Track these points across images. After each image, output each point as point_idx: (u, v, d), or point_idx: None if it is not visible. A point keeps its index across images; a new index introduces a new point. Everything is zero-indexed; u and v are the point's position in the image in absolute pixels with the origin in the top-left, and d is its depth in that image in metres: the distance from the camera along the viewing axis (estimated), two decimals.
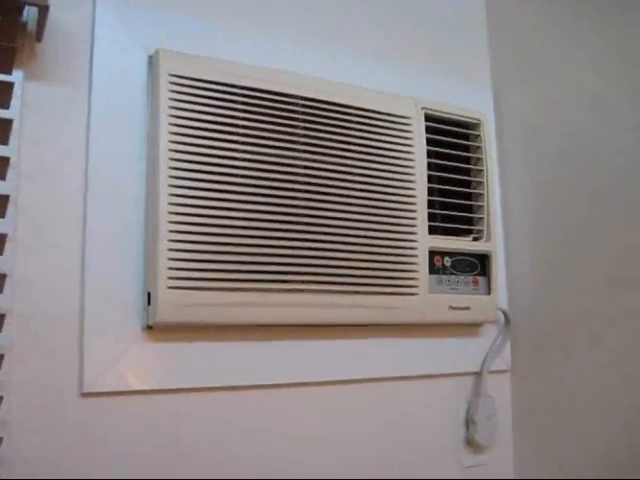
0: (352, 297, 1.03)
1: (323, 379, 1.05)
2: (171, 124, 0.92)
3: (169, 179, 0.91)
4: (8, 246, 0.84)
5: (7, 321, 0.83)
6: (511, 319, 1.23)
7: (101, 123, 0.93)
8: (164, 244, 0.89)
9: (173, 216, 0.90)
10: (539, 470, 1.18)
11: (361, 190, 1.05)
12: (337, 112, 1.05)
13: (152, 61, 0.96)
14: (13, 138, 0.86)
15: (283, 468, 1.01)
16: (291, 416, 1.03)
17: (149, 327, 0.92)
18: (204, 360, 0.95)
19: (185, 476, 0.93)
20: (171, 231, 0.90)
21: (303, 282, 0.99)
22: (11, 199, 0.85)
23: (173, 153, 0.91)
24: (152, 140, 0.93)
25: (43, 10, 0.85)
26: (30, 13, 0.89)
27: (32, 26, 0.89)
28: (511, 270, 1.27)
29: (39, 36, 0.89)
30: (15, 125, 0.86)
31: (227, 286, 0.93)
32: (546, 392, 1.18)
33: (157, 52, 0.94)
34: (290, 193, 0.99)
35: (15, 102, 0.87)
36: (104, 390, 0.89)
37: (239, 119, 0.97)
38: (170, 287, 0.89)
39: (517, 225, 1.26)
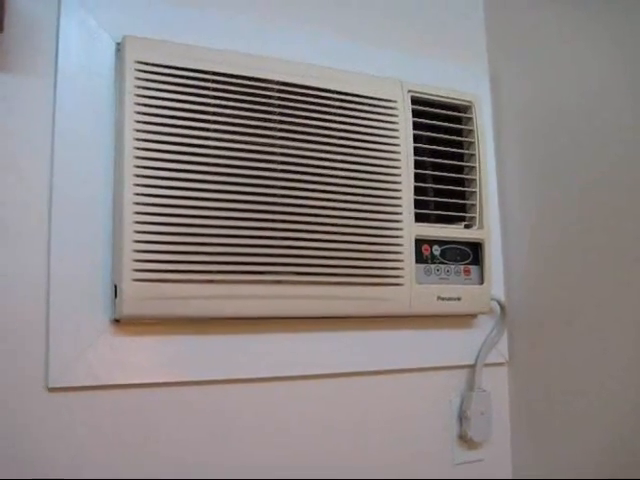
0: (333, 288, 0.99)
1: (303, 373, 1.02)
2: (137, 112, 0.90)
3: (134, 168, 0.88)
4: None
5: None
6: (508, 310, 1.19)
7: (67, 113, 0.91)
8: (129, 235, 0.87)
9: (138, 207, 0.88)
10: (538, 467, 1.13)
11: (343, 177, 1.02)
12: (315, 96, 1.02)
13: (119, 48, 0.94)
14: None
15: (262, 464, 0.98)
16: (270, 412, 1.00)
17: (116, 320, 0.90)
18: (174, 354, 0.93)
19: (153, 471, 0.91)
20: (136, 222, 0.88)
21: (280, 273, 0.96)
22: None
23: (139, 142, 0.89)
24: (118, 129, 0.91)
25: None
26: None
27: None
28: (508, 259, 1.21)
29: (0, 25, 0.87)
30: None
31: (197, 278, 0.90)
32: (545, 385, 1.13)
33: (123, 39, 0.92)
34: (266, 181, 0.96)
35: None
36: (71, 385, 0.87)
37: (210, 106, 0.94)
38: (136, 279, 0.87)
39: (515, 212, 1.21)
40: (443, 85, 1.15)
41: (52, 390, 0.86)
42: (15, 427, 0.84)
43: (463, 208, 1.13)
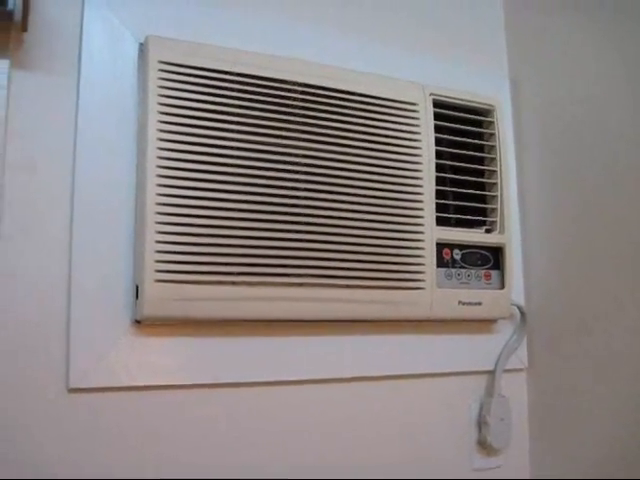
0: (354, 291, 0.99)
1: (323, 377, 1.01)
2: (160, 112, 0.89)
3: (157, 169, 0.88)
4: None
5: None
6: (528, 315, 1.18)
7: (90, 113, 0.91)
8: (151, 235, 0.87)
9: (161, 207, 0.87)
10: (557, 473, 1.12)
11: (364, 180, 1.01)
12: (338, 99, 1.01)
13: (142, 48, 0.93)
14: None
15: (279, 468, 0.97)
16: (289, 416, 0.99)
17: (137, 322, 0.89)
18: (195, 356, 0.92)
19: (173, 474, 0.91)
20: (159, 222, 0.87)
21: (302, 275, 0.95)
22: None
23: (162, 142, 0.89)
24: (141, 129, 0.91)
25: None
26: (17, 2, 0.87)
27: (18, 15, 0.87)
28: (528, 264, 1.20)
29: (24, 25, 0.87)
30: (0, 115, 0.85)
31: (219, 279, 0.90)
32: (565, 392, 1.12)
33: (147, 39, 0.92)
34: (288, 183, 0.96)
35: (1, 92, 0.86)
36: (91, 386, 0.86)
37: (233, 107, 0.94)
38: (158, 280, 0.87)
39: (535, 216, 1.20)
40: (463, 89, 1.14)
41: (72, 391, 0.86)
42: (35, 427, 0.84)
43: (484, 212, 1.13)
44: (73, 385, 0.85)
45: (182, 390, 0.92)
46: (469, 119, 1.14)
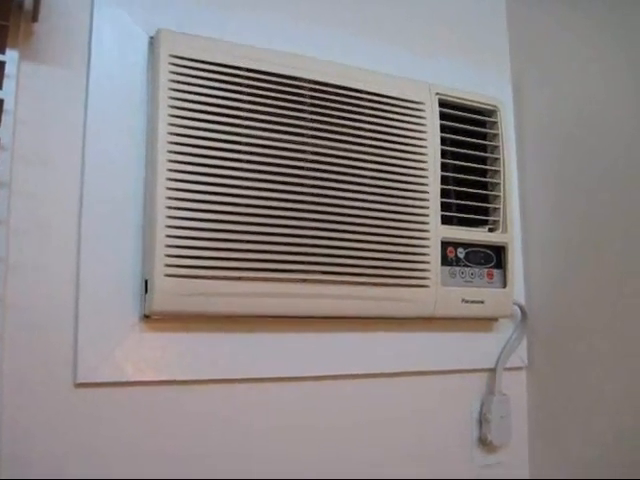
0: (359, 288, 0.99)
1: (327, 373, 1.01)
2: (171, 106, 0.89)
3: (167, 163, 0.88)
4: None
5: None
6: (528, 314, 1.19)
7: (99, 106, 0.90)
8: (161, 230, 0.86)
9: (171, 201, 0.87)
10: (555, 470, 1.13)
11: (371, 177, 1.02)
12: (347, 96, 1.02)
13: (153, 42, 0.93)
14: (6, 119, 0.84)
15: (284, 465, 0.98)
16: (293, 411, 0.99)
17: (146, 316, 0.89)
18: (203, 352, 0.92)
19: (180, 470, 0.90)
20: (169, 217, 0.87)
21: (308, 272, 0.95)
22: (3, 182, 0.83)
23: (172, 137, 0.88)
24: (151, 124, 0.90)
25: None
26: None
27: (29, 6, 0.87)
28: (529, 263, 1.22)
29: (35, 16, 0.86)
30: (9, 106, 0.84)
31: (228, 275, 0.90)
32: (564, 390, 1.13)
33: (158, 32, 0.91)
34: (296, 179, 0.96)
35: (10, 83, 0.85)
36: (99, 381, 0.86)
37: (243, 102, 0.94)
38: (167, 275, 0.86)
39: (535, 216, 1.21)
40: (466, 89, 1.15)
41: (79, 386, 0.85)
42: (42, 422, 0.83)
43: (487, 212, 1.13)
44: (80, 380, 0.85)
45: (189, 385, 0.92)
46: (473, 119, 1.14)
